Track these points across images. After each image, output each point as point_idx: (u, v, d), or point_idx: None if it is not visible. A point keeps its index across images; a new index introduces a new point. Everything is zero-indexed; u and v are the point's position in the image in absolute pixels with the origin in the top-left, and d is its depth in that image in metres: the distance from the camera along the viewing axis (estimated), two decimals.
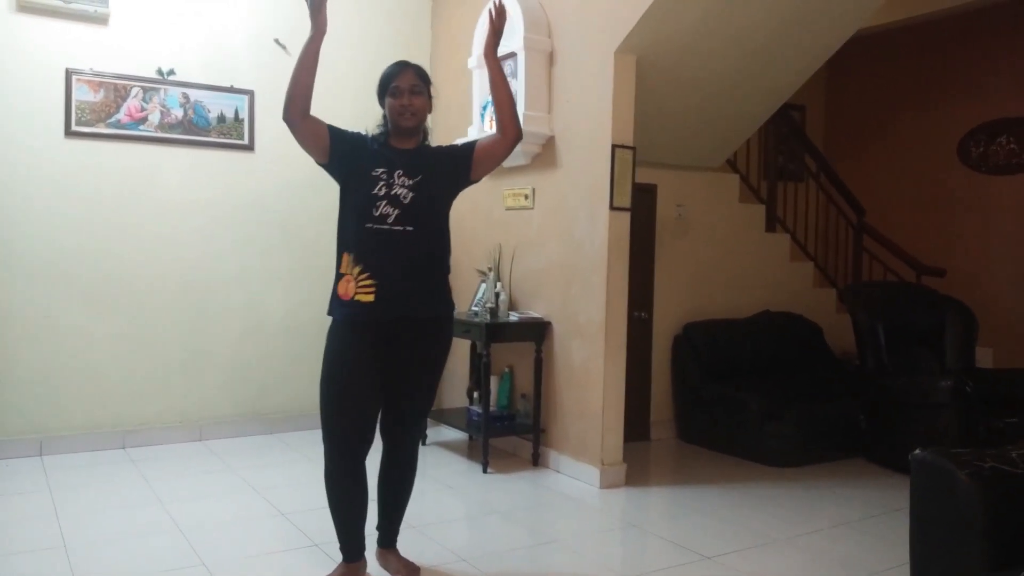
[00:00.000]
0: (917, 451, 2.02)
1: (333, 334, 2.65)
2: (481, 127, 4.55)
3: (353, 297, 2.58)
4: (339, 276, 2.64)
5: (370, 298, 2.56)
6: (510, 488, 3.99)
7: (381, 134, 2.74)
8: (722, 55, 4.26)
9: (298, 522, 3.36)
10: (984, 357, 5.44)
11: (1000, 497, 1.91)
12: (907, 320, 4.89)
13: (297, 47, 4.92)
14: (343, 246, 2.65)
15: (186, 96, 4.65)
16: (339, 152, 2.65)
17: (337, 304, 2.63)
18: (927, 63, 6.36)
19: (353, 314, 2.59)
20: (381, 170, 2.62)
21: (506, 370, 4.64)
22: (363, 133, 2.76)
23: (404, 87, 2.66)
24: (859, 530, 3.47)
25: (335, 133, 2.67)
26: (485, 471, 4.21)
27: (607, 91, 3.94)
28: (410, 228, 2.60)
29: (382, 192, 2.59)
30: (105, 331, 4.48)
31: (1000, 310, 5.70)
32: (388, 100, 2.68)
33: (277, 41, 4.91)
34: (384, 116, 2.73)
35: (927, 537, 2.02)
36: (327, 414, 2.64)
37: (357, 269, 2.58)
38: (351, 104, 5.03)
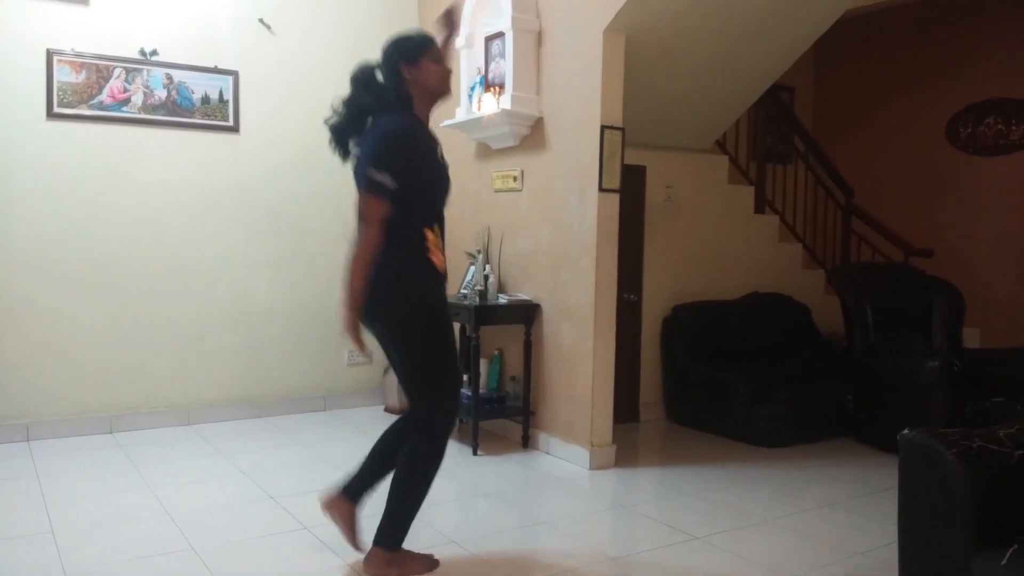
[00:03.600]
0: (906, 431, 2.03)
1: (435, 305, 2.60)
2: (468, 107, 4.51)
3: (444, 268, 2.66)
4: (426, 250, 2.56)
5: (445, 268, 2.70)
6: (500, 470, 4.00)
7: (407, 104, 2.60)
8: (711, 35, 4.23)
9: (287, 506, 3.35)
10: (971, 337, 5.47)
11: (987, 476, 1.92)
12: (895, 301, 4.91)
13: (282, 26, 4.89)
14: (423, 222, 2.57)
15: (169, 77, 4.59)
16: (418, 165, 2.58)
17: (434, 276, 2.60)
18: (915, 44, 6.35)
19: (443, 285, 2.67)
20: (438, 148, 2.68)
21: (496, 353, 4.64)
22: (399, 123, 2.58)
23: (441, 54, 2.64)
24: (847, 509, 3.50)
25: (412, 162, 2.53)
26: (475, 453, 4.21)
27: (596, 71, 3.90)
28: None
29: (447, 173, 2.70)
30: (90, 315, 4.44)
31: (987, 290, 5.73)
32: (430, 65, 2.56)
33: (261, 21, 4.85)
34: (397, 83, 2.56)
35: (915, 516, 2.03)
36: (444, 386, 2.61)
37: (440, 243, 2.65)
38: (335, 86, 4.98)
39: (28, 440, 4.27)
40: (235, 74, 4.77)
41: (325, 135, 2.64)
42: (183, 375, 4.72)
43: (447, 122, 4.58)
